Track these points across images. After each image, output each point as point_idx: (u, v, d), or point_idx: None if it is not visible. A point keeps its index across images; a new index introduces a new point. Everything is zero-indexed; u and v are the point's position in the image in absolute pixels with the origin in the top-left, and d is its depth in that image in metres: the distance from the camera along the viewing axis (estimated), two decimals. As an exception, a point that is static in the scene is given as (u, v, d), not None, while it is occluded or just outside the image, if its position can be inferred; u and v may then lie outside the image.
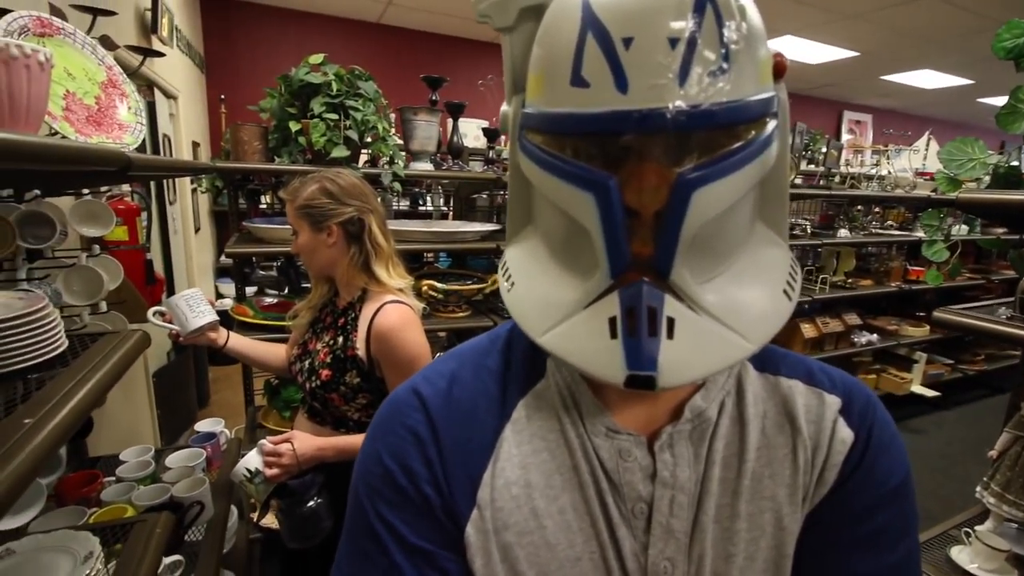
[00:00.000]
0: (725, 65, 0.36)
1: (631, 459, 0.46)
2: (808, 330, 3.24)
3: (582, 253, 0.41)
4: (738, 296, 0.42)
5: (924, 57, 5.23)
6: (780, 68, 0.43)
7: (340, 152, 1.76)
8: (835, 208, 3.58)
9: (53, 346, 0.66)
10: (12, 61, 0.78)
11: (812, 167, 3.62)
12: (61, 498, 1.26)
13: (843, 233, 3.34)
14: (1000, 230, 3.16)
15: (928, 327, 3.82)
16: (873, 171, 3.51)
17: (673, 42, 0.35)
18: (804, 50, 5.07)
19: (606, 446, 0.46)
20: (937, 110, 7.87)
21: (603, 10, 0.36)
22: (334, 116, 1.74)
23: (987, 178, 1.16)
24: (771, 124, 0.40)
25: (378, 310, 1.15)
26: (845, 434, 0.48)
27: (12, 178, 1.10)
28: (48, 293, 1.17)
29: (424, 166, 2.12)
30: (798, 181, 3.35)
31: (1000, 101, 1.11)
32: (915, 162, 3.72)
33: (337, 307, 1.25)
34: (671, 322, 0.39)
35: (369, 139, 1.92)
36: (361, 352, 1.15)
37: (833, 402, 0.49)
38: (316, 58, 1.83)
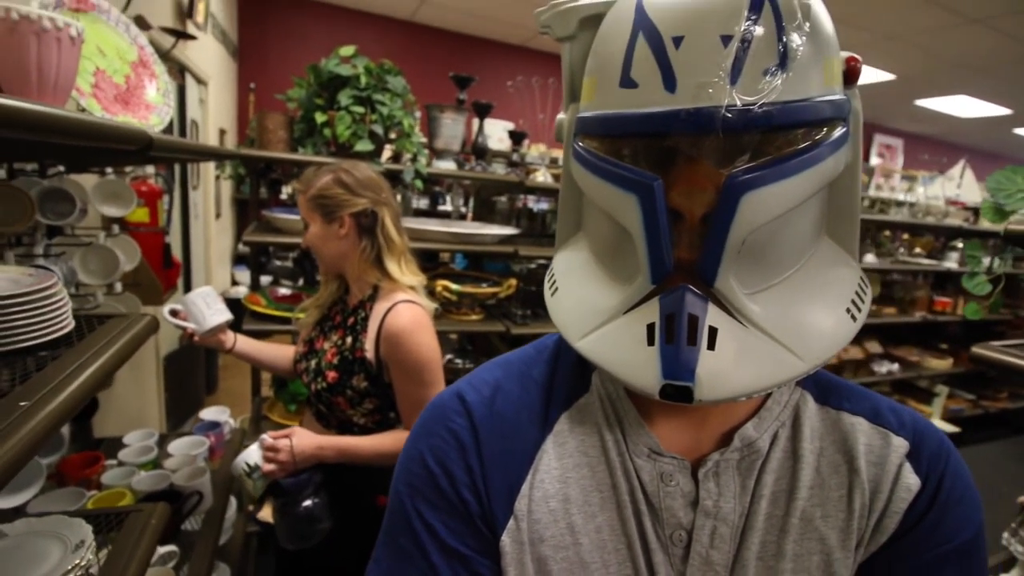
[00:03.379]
0: (783, 64, 0.34)
1: (673, 484, 0.44)
2: (827, 356, 3.15)
3: (626, 258, 0.41)
4: (793, 310, 0.40)
5: (961, 82, 5.11)
6: (853, 72, 0.40)
7: (364, 146, 1.74)
8: (862, 232, 3.48)
9: (59, 326, 0.64)
10: (43, 33, 0.77)
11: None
12: (62, 478, 1.25)
13: (869, 258, 3.25)
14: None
15: (951, 360, 3.71)
16: (903, 196, 3.42)
17: (726, 40, 0.34)
18: (838, 71, 4.98)
19: (648, 467, 0.45)
20: (970, 139, 7.70)
21: (655, 10, 0.36)
22: (360, 109, 1.73)
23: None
24: (836, 130, 0.38)
25: (389, 310, 1.12)
26: (911, 481, 0.44)
27: (36, 152, 1.09)
28: (63, 270, 1.16)
29: (447, 165, 2.10)
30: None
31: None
32: (948, 190, 3.62)
33: (347, 306, 1.22)
34: (713, 332, 0.37)
35: (394, 135, 1.90)
36: (370, 354, 1.12)
37: (900, 445, 0.46)
38: (347, 50, 1.81)
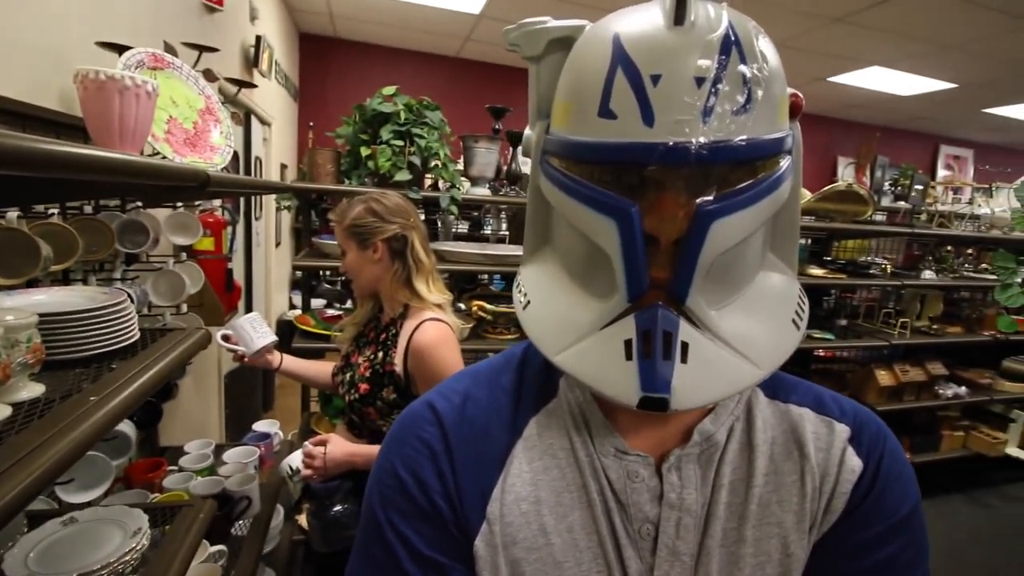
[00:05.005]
0: (747, 104, 0.38)
1: (639, 480, 0.46)
2: (884, 377, 2.98)
3: (600, 275, 0.42)
4: (749, 324, 0.43)
5: (1031, 89, 4.79)
6: (796, 108, 0.44)
7: (403, 176, 1.87)
8: (921, 248, 3.31)
9: (126, 336, 0.75)
10: (125, 91, 0.91)
11: (901, 204, 3.37)
12: (129, 481, 1.39)
13: (928, 275, 3.08)
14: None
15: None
16: (965, 209, 3.22)
17: (699, 81, 0.37)
18: (895, 81, 4.80)
19: (615, 466, 0.47)
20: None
21: (633, 47, 0.38)
22: (400, 142, 1.85)
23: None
24: (785, 161, 0.42)
25: (417, 327, 1.19)
26: (854, 463, 0.47)
27: (118, 190, 1.25)
28: (137, 293, 1.31)
29: (482, 191, 2.20)
30: (878, 217, 3.14)
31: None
32: (1017, 201, 3.38)
33: (380, 323, 1.31)
34: (685, 346, 0.40)
35: (433, 164, 2.02)
36: (399, 368, 1.19)
37: (842, 431, 0.49)
38: (389, 89, 1.96)
